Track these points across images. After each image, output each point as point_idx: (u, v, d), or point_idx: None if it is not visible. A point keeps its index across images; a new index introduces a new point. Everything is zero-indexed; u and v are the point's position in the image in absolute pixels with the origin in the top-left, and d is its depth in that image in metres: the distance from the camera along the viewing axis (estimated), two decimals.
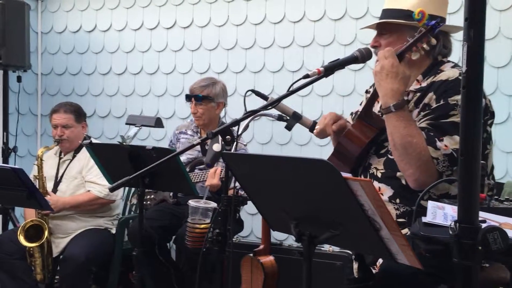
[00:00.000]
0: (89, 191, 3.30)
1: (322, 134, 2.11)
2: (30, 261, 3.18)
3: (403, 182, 1.92)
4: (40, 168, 3.24)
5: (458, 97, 1.78)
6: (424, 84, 1.96)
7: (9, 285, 3.12)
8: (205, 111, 3.27)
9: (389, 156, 1.97)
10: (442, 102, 1.86)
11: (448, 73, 1.92)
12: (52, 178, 3.39)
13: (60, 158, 3.45)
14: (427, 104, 1.90)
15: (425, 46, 1.87)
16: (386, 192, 1.95)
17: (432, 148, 1.82)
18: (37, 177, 3.23)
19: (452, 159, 1.81)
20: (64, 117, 3.36)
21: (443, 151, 1.81)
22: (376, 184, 1.97)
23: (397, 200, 1.93)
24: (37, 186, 3.17)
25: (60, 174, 3.39)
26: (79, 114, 3.43)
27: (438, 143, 1.82)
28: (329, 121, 2.08)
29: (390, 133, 1.86)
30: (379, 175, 1.99)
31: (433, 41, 1.88)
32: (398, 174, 1.93)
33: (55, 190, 3.36)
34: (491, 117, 1.94)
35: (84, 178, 3.35)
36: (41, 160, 3.26)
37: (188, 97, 3.32)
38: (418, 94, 1.94)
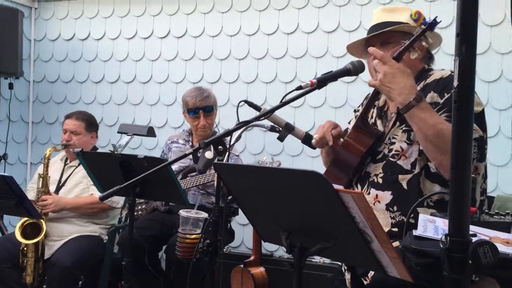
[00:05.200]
0: (92, 194, 3.29)
1: (321, 142, 2.07)
2: (22, 261, 3.14)
3: (405, 186, 1.92)
4: (46, 166, 3.27)
5: None
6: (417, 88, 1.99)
7: None
8: (211, 121, 3.33)
9: (390, 159, 1.97)
10: (448, 95, 1.88)
11: (439, 73, 1.98)
12: (55, 182, 3.40)
13: (65, 164, 3.48)
14: (432, 103, 1.91)
15: (424, 44, 1.89)
16: (384, 199, 1.95)
17: None
18: (42, 175, 3.26)
19: (480, 144, 1.86)
20: (75, 124, 3.42)
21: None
22: (374, 191, 1.98)
23: (395, 208, 1.93)
24: (41, 185, 3.23)
25: (64, 179, 3.41)
26: (90, 124, 3.49)
27: None
28: (328, 127, 2.06)
29: (419, 129, 1.81)
30: (380, 181, 1.98)
31: (430, 40, 1.90)
32: (400, 177, 1.93)
33: (56, 193, 3.35)
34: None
35: (90, 182, 3.32)
36: (48, 159, 3.29)
37: (195, 111, 3.27)
38: None
